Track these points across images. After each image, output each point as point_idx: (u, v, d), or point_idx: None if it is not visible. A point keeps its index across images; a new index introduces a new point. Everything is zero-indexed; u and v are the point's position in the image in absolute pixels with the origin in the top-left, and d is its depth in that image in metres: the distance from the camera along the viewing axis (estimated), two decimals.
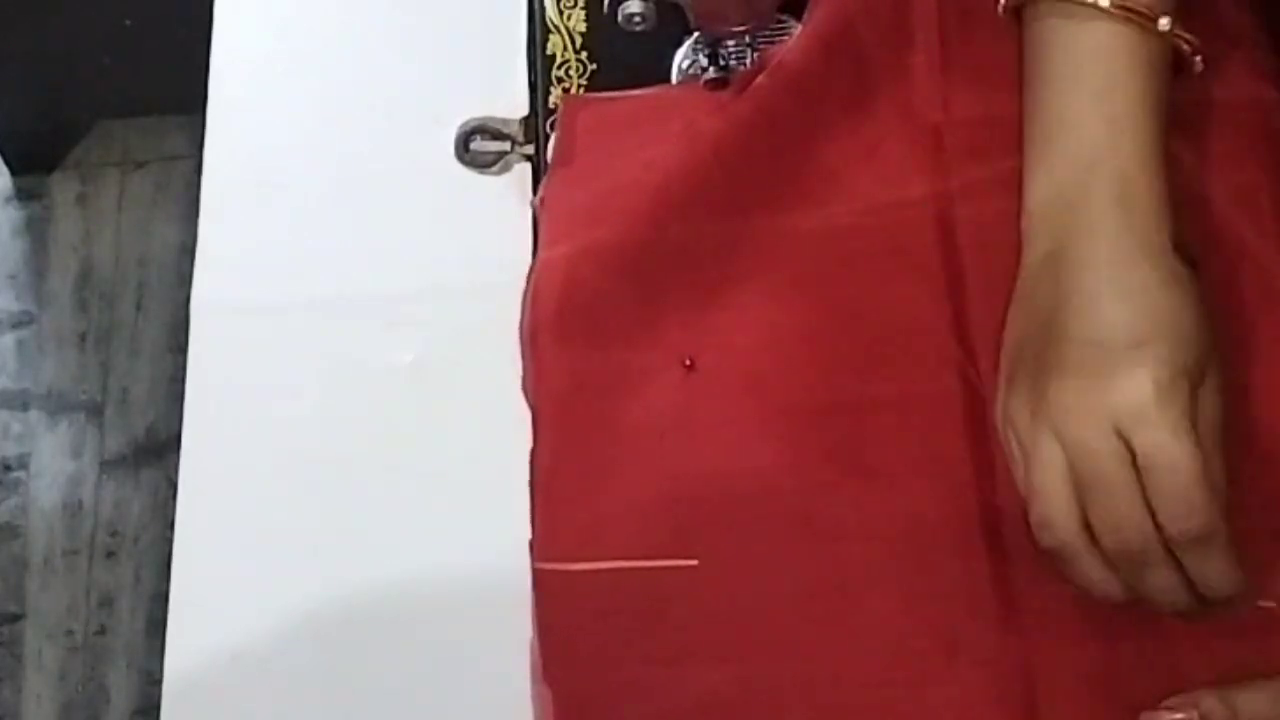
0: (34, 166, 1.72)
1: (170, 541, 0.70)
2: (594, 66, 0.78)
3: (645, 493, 0.67)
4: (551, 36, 0.78)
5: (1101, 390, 0.60)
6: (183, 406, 0.73)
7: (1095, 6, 0.64)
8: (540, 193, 0.74)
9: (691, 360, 0.69)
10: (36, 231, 1.70)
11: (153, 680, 1.48)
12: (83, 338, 1.65)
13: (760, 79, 0.74)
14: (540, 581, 0.66)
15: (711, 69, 0.75)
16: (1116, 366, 0.60)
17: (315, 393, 0.73)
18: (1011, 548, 0.65)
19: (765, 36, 0.76)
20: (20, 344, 1.65)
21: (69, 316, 1.66)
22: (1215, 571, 0.60)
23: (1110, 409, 0.60)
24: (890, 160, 0.72)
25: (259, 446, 0.72)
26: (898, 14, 0.74)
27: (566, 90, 0.77)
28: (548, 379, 0.69)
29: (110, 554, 1.56)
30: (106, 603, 1.54)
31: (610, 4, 0.73)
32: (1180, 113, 0.68)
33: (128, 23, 1.58)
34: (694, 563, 0.66)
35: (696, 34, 0.75)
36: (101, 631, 1.53)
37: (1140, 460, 0.59)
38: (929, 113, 0.72)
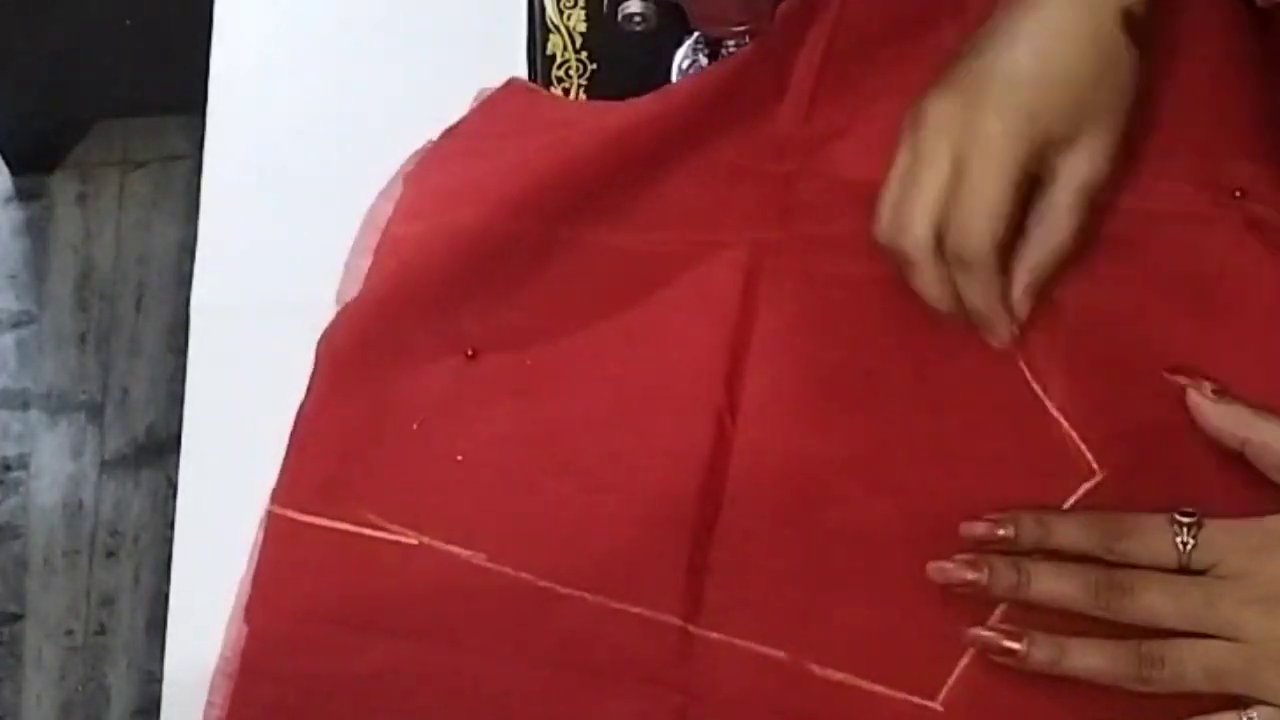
0: (34, 166, 1.72)
1: (170, 541, 0.70)
2: (594, 66, 0.78)
3: (391, 466, 0.69)
4: (551, 36, 0.78)
5: (962, 119, 0.66)
6: (183, 406, 0.73)
7: None
8: (407, 165, 0.75)
9: (474, 351, 0.70)
10: (36, 231, 1.70)
11: (153, 680, 1.49)
12: (83, 338, 1.66)
13: (646, 98, 0.75)
14: (269, 524, 0.68)
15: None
16: (983, 98, 0.66)
17: None
18: (710, 595, 0.65)
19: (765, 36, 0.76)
20: (20, 344, 1.65)
21: (69, 316, 1.66)
22: (973, 292, 0.67)
23: (958, 133, 0.66)
24: (726, 200, 0.73)
25: (259, 446, 0.72)
26: (785, 59, 0.75)
27: (566, 90, 0.77)
28: (335, 340, 0.71)
29: (110, 554, 1.56)
30: (106, 603, 1.54)
31: (610, 4, 0.73)
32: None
33: (128, 23, 1.58)
34: (414, 541, 0.67)
35: (696, 34, 0.75)
36: (101, 631, 1.53)
37: (958, 183, 0.65)
38: (780, 162, 0.73)
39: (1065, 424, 0.67)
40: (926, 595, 0.64)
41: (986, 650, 0.63)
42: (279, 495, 0.69)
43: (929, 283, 0.67)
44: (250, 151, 0.79)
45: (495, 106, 0.76)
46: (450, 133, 0.76)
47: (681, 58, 0.77)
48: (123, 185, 1.72)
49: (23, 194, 1.72)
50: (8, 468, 1.60)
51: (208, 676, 0.67)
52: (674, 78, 0.77)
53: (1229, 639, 0.60)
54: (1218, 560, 0.62)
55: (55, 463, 1.60)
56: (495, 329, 0.71)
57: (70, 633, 1.53)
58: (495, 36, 0.80)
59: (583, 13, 0.78)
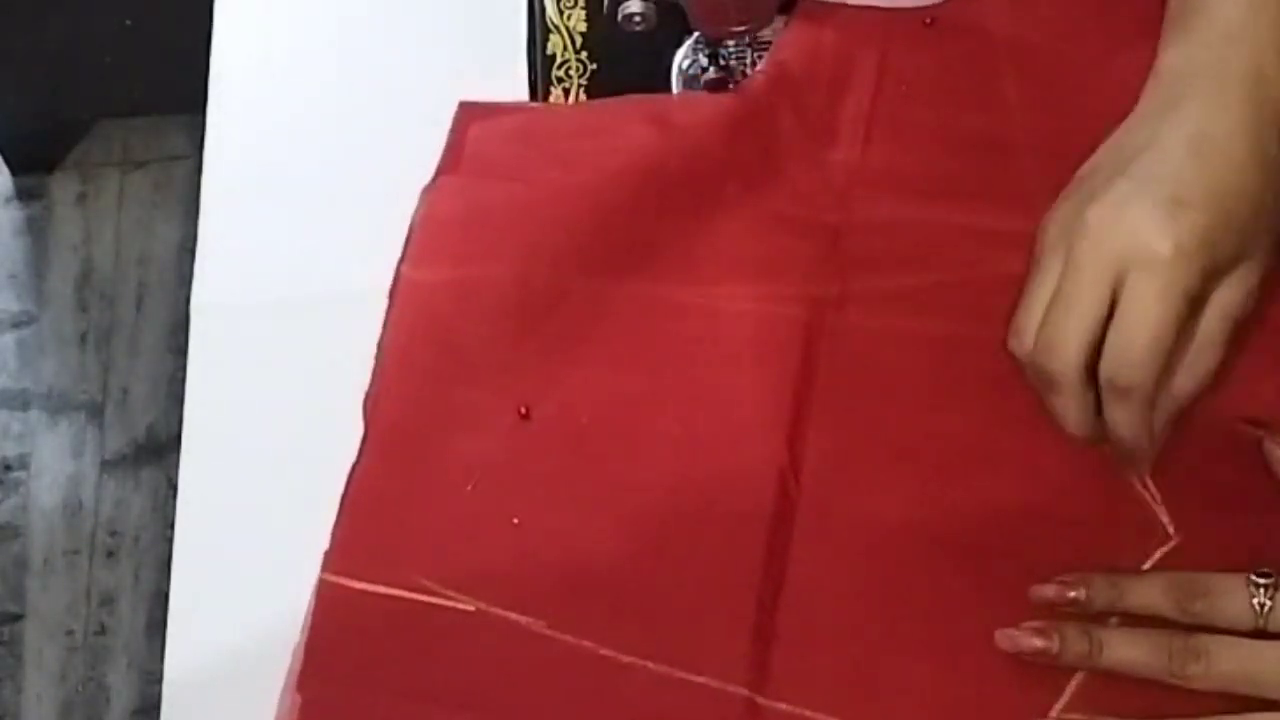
0: (34, 166, 1.72)
1: (170, 541, 0.70)
2: (594, 66, 0.78)
3: (445, 530, 0.67)
4: (551, 36, 0.78)
5: (1127, 231, 0.61)
6: (183, 406, 0.73)
7: None
8: (421, 205, 0.73)
9: (527, 409, 0.68)
10: (36, 231, 1.70)
11: (153, 680, 1.48)
12: (83, 338, 1.65)
13: (655, 139, 0.73)
14: (321, 591, 0.66)
15: (711, 69, 0.75)
16: (1151, 215, 0.61)
17: (316, 392, 0.73)
18: (777, 663, 0.63)
19: (765, 37, 0.76)
20: (20, 344, 1.65)
21: (69, 316, 1.66)
22: (1124, 422, 0.63)
23: (1123, 249, 0.61)
24: (778, 252, 0.71)
25: (259, 446, 0.72)
26: (829, 107, 0.74)
27: (566, 91, 0.77)
28: (383, 404, 0.69)
29: (110, 554, 1.56)
30: (106, 602, 1.54)
31: (610, 4, 0.73)
32: None
33: (128, 23, 1.58)
34: (471, 608, 0.65)
35: (696, 34, 0.75)
36: (101, 631, 1.53)
37: (1119, 303, 0.61)
38: (831, 212, 0.72)
39: (1139, 486, 0.66)
40: (999, 663, 0.63)
41: None
42: (330, 562, 0.66)
43: (1073, 409, 0.64)
44: (250, 151, 0.79)
45: (485, 133, 0.75)
46: (449, 168, 0.74)
47: (681, 58, 0.77)
48: (123, 185, 1.72)
49: (23, 194, 1.72)
50: (8, 468, 1.60)
51: (208, 676, 0.67)
52: (674, 77, 0.77)
53: None
54: None
55: (55, 463, 1.60)
56: (548, 387, 0.69)
57: (70, 633, 1.53)
58: (495, 36, 0.80)
59: (583, 13, 0.78)
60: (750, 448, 0.67)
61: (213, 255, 0.76)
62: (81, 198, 1.72)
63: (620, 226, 0.72)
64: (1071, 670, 0.63)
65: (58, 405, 1.63)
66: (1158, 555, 0.65)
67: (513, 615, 0.65)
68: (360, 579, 0.66)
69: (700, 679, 0.63)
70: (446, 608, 0.65)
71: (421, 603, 0.65)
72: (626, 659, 0.64)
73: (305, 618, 0.66)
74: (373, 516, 0.67)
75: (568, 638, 0.64)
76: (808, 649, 0.64)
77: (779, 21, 0.76)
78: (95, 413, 1.62)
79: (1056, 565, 0.64)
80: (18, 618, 1.54)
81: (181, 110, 1.59)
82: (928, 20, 0.75)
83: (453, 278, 0.71)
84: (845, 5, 0.76)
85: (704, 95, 0.75)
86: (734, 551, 0.65)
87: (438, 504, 0.67)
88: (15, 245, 1.70)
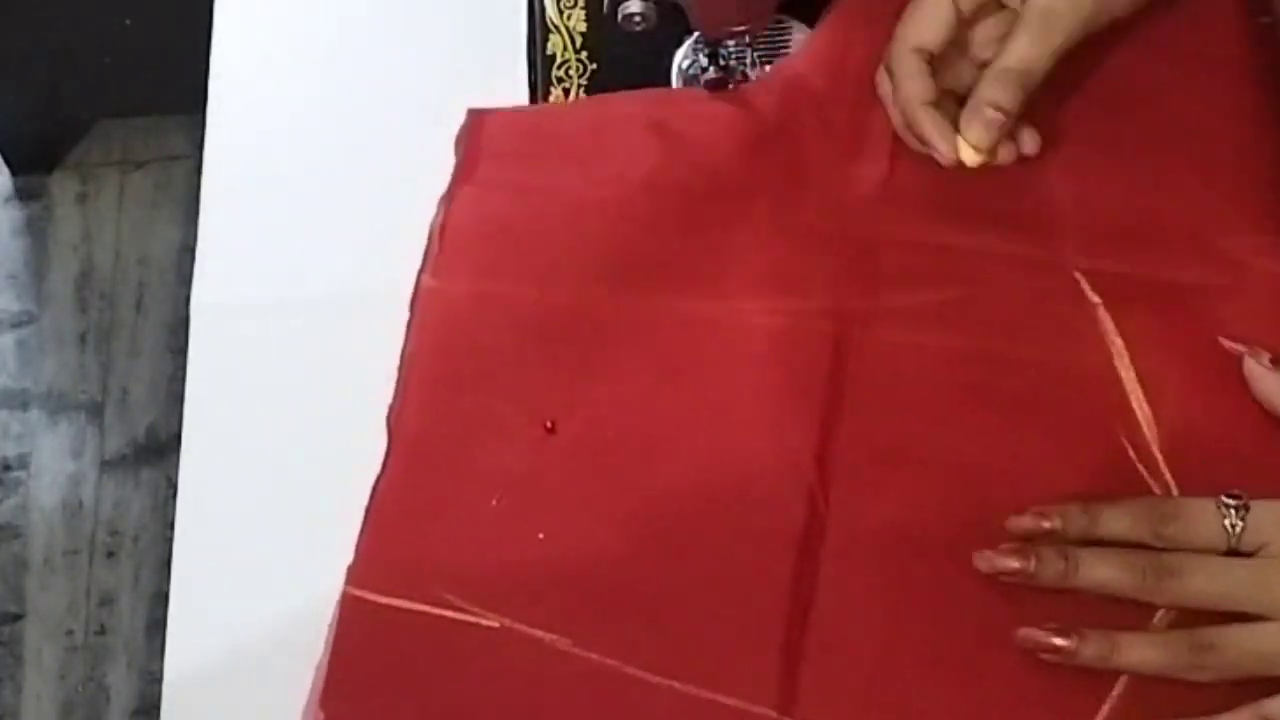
0: (34, 166, 1.72)
1: (170, 541, 0.70)
2: (594, 66, 0.78)
3: (470, 544, 0.66)
4: (551, 36, 0.78)
5: None
6: (183, 406, 0.73)
7: None
8: (441, 214, 0.73)
9: (553, 423, 0.68)
10: (36, 231, 1.70)
11: (153, 680, 1.48)
12: (83, 338, 1.65)
13: (677, 150, 0.73)
14: (345, 605, 0.65)
15: (711, 69, 0.75)
16: None
17: (315, 392, 0.73)
18: (805, 683, 0.63)
19: (765, 37, 0.76)
20: (20, 344, 1.65)
21: (69, 316, 1.66)
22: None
23: None
24: (806, 266, 0.71)
25: (259, 446, 0.72)
26: (855, 122, 0.74)
27: (566, 91, 0.77)
28: (407, 415, 0.69)
29: (110, 554, 1.56)
30: (106, 602, 1.54)
31: (610, 4, 0.73)
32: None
33: (128, 23, 1.57)
34: (495, 624, 0.65)
35: (696, 34, 0.75)
36: (101, 631, 1.53)
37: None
38: (861, 227, 0.72)
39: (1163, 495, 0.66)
40: (1030, 684, 0.62)
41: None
42: (354, 576, 0.66)
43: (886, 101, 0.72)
44: (250, 151, 0.79)
45: (498, 138, 0.75)
46: (464, 176, 0.74)
47: (681, 57, 0.77)
48: (123, 185, 1.72)
49: (23, 194, 1.71)
50: (8, 468, 1.60)
51: (208, 676, 0.67)
52: (674, 77, 0.77)
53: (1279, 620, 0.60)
54: (1267, 541, 0.61)
55: (55, 463, 1.60)
56: (573, 401, 0.69)
57: (70, 633, 1.53)
58: (495, 36, 0.80)
59: (583, 13, 0.78)
60: (778, 464, 0.67)
61: (213, 255, 0.77)
62: (81, 198, 1.71)
63: (644, 241, 0.72)
64: (1106, 691, 0.62)
65: (58, 405, 1.62)
66: None
67: (538, 632, 0.64)
68: (384, 593, 0.65)
69: (728, 699, 0.63)
70: (470, 624, 0.65)
71: (445, 618, 0.65)
72: (653, 679, 0.63)
73: (328, 631, 0.65)
74: (397, 530, 0.67)
75: (593, 655, 0.64)
76: (836, 669, 0.63)
77: (798, 30, 0.76)
78: (95, 413, 1.62)
79: None
80: (18, 618, 1.54)
81: (181, 110, 1.59)
82: None
83: (475, 289, 0.71)
84: (869, 19, 0.75)
85: (715, 99, 0.75)
86: (762, 569, 0.65)
87: (462, 518, 0.67)
88: (15, 245, 1.70)
